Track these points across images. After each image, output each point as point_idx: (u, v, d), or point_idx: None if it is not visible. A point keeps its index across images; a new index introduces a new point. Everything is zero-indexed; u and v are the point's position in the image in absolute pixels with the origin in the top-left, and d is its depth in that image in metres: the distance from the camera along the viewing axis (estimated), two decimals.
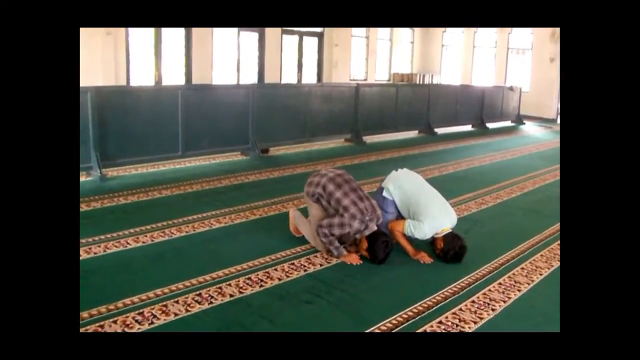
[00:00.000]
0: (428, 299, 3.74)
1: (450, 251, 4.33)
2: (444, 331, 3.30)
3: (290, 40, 16.03)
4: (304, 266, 4.20)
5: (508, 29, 17.93)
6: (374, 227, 4.34)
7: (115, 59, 11.94)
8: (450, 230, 4.42)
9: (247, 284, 3.82)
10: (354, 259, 4.31)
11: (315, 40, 16.76)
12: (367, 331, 3.24)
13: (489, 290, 3.94)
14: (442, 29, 19.74)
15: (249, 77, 15.02)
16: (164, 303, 3.46)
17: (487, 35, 18.78)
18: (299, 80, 16.52)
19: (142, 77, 12.71)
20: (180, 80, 13.31)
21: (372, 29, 18.28)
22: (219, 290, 3.69)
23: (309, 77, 16.98)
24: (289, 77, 16.26)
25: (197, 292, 3.64)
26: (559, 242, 5.03)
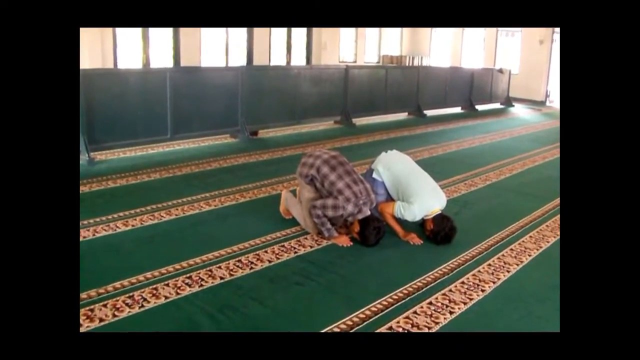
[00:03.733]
0: (418, 280, 3.75)
1: (440, 232, 4.35)
2: (434, 312, 3.31)
3: None
4: (294, 248, 4.20)
5: None
6: (367, 212, 4.33)
7: (102, 42, 11.81)
8: (440, 212, 4.43)
9: (238, 266, 3.82)
10: (344, 241, 4.31)
11: None
12: (359, 312, 3.25)
13: (479, 271, 3.96)
14: None
15: (238, 59, 14.92)
16: (154, 286, 3.45)
17: None
18: (288, 62, 16.43)
19: (129, 60, 12.59)
20: (169, 63, 13.20)
21: None
22: (209, 273, 3.68)
23: (298, 59, 16.89)
24: (278, 59, 16.17)
25: (188, 275, 3.63)
26: (547, 223, 5.07)
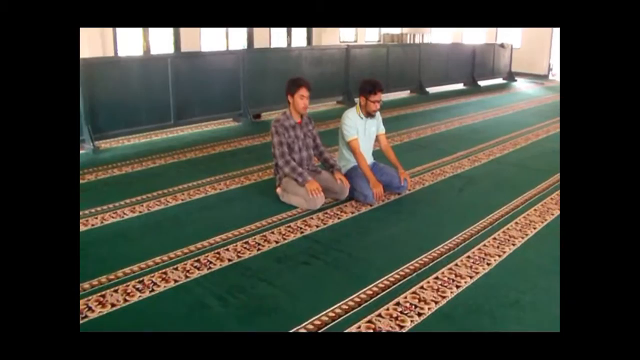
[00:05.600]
0: (424, 255, 3.78)
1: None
2: (441, 286, 3.34)
3: None
4: (300, 228, 4.24)
5: None
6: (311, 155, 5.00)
7: (102, 30, 11.77)
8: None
9: (245, 248, 3.86)
10: (315, 187, 4.57)
11: None
12: (366, 289, 3.28)
13: (484, 245, 3.99)
14: None
15: (238, 43, 14.87)
16: (164, 270, 3.49)
17: None
18: (289, 44, 16.37)
19: (130, 47, 12.57)
20: (169, 49, 13.16)
21: None
22: (217, 256, 3.73)
23: (299, 40, 16.82)
24: (279, 41, 16.11)
25: (196, 258, 3.67)
26: (552, 196, 5.09)
